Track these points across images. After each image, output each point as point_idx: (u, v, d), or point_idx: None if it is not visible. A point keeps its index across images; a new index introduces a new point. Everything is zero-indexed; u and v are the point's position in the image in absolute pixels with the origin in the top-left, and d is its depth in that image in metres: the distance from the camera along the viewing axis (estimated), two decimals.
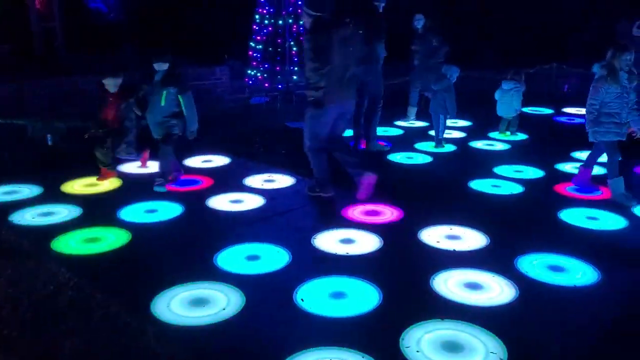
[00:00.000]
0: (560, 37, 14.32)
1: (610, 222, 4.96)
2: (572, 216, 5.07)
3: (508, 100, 7.90)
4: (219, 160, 6.86)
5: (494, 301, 3.66)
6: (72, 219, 5.01)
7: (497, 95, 7.95)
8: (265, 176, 6.18)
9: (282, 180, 6.05)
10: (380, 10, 6.70)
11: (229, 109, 10.28)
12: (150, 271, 4.08)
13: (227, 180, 6.10)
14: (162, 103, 5.56)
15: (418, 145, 7.47)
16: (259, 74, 10.81)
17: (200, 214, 5.21)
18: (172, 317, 3.45)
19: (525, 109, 9.66)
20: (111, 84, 5.90)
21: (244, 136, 8.01)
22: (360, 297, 3.68)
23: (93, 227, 4.82)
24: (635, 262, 4.22)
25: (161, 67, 5.52)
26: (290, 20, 10.35)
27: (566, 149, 7.20)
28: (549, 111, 9.69)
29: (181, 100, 5.62)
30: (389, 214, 5.11)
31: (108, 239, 4.59)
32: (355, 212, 5.15)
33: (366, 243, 4.51)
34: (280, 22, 10.40)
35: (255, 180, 6.07)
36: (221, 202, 5.45)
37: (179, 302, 3.62)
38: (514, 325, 3.39)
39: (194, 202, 5.47)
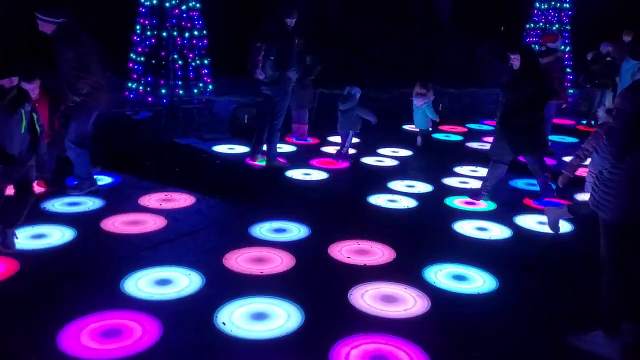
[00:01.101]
0: (427, 59, 15.45)
1: (497, 232, 5.40)
2: (464, 227, 5.45)
3: (421, 113, 8.56)
4: (108, 180, 6.42)
5: (410, 312, 3.81)
6: None
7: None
8: (162, 195, 5.91)
9: (181, 200, 5.82)
10: (292, 25, 6.75)
11: (108, 124, 9.67)
12: (50, 303, 3.71)
13: (120, 201, 5.74)
14: (23, 130, 4.27)
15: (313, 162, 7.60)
16: (140, 88, 10.32)
17: (96, 238, 4.84)
18: (84, 352, 3.17)
19: (406, 127, 10.28)
20: (28, 89, 4.78)
21: (132, 154, 7.59)
22: (282, 317, 3.64)
23: None
24: (526, 267, 4.63)
25: (11, 82, 4.17)
26: (175, 33, 10.03)
27: (448, 164, 7.72)
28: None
29: (35, 119, 4.43)
30: (296, 231, 5.12)
31: None
32: (263, 230, 5.10)
33: (278, 261, 4.48)
34: (164, 34, 10.04)
35: (151, 200, 5.77)
36: (117, 224, 5.11)
37: (89, 335, 3.33)
38: (432, 334, 3.56)
39: (87, 225, 5.07)
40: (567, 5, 12.89)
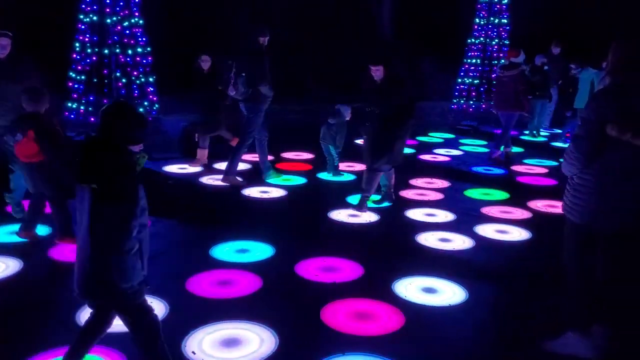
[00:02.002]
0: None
1: (460, 242, 5.41)
2: (427, 239, 5.43)
3: None
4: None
5: (385, 328, 3.72)
6: None
7: None
8: None
9: None
10: (266, 44, 6.67)
11: None
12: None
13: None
14: None
15: (270, 180, 7.42)
16: (81, 108, 9.89)
17: (45, 268, 4.52)
18: None
19: (358, 141, 10.29)
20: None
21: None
22: (256, 342, 3.47)
23: None
24: (492, 276, 4.64)
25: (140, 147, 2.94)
26: (118, 50, 9.69)
27: (404, 177, 7.72)
28: None
29: None
30: (260, 251, 4.96)
31: None
32: (225, 251, 4.91)
33: (245, 283, 4.31)
34: (106, 51, 9.68)
35: None
36: (67, 253, 4.77)
37: None
38: (409, 349, 3.48)
39: (33, 254, 4.73)
40: (505, 21, 13.36)
